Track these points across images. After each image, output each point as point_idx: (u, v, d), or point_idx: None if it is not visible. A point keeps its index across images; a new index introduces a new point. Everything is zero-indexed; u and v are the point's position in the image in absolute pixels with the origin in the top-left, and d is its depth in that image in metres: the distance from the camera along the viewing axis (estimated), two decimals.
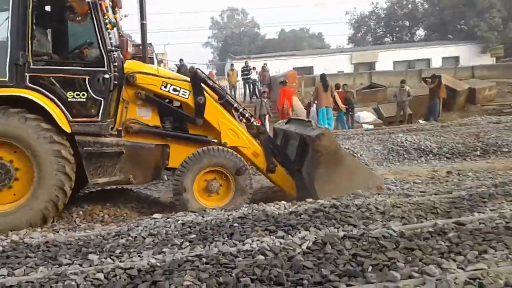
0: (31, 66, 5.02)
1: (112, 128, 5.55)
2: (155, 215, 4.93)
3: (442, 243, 3.28)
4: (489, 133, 10.24)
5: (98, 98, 5.25)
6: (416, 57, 35.82)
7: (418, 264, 2.87)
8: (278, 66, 29.74)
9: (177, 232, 4.18)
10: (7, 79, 4.93)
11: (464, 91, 19.16)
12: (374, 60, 36.20)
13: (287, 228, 3.87)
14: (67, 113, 5.15)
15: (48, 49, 5.65)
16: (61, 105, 5.12)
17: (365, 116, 18.65)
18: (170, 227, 4.36)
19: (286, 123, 7.29)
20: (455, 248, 3.16)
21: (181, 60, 21.13)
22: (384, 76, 26.50)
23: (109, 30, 5.32)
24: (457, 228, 3.58)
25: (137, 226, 4.51)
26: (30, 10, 4.96)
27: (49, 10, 5.75)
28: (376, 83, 23.67)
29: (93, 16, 5.18)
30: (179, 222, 4.49)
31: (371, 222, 3.94)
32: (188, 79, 5.87)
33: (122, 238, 4.12)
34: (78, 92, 5.21)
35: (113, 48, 5.29)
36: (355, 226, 3.83)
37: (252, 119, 6.25)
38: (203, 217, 4.67)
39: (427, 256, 3.01)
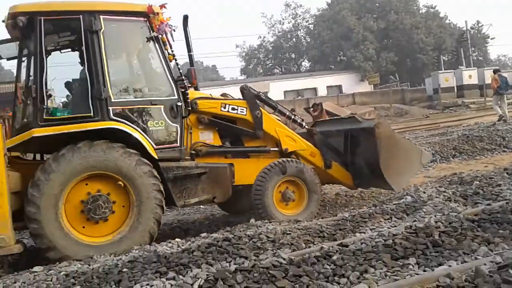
0: (112, 100, 5.11)
1: None
2: (35, 268, 4.48)
3: (328, 266, 3.42)
4: None
5: (174, 125, 5.49)
6: (303, 86, 38.10)
7: None
8: None
9: (59, 285, 3.84)
10: (92, 113, 5.03)
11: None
12: (266, 90, 37.64)
13: (178, 268, 3.74)
14: (151, 141, 5.28)
15: (126, 82, 5.80)
16: (145, 134, 5.25)
17: None
18: (52, 280, 3.99)
19: (313, 126, 7.54)
20: (339, 270, 3.31)
21: None
22: None
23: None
24: (341, 250, 3.76)
25: (14, 283, 4.06)
26: (103, 46, 5.10)
27: (120, 44, 5.78)
28: None
29: (158, 48, 5.48)
30: (62, 273, 4.12)
31: (262, 252, 3.98)
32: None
33: None
34: (157, 121, 5.41)
35: (183, 78, 5.57)
36: (246, 258, 3.83)
37: (304, 124, 6.84)
38: (89, 265, 4.35)
39: (313, 281, 3.11)
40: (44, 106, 4.95)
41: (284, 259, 3.63)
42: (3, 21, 5.29)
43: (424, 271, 3.26)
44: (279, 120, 6.57)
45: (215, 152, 5.95)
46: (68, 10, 5.22)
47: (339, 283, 3.10)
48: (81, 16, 5.10)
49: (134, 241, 4.94)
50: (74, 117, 5.05)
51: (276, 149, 6.24)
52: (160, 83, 5.67)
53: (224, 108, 6.05)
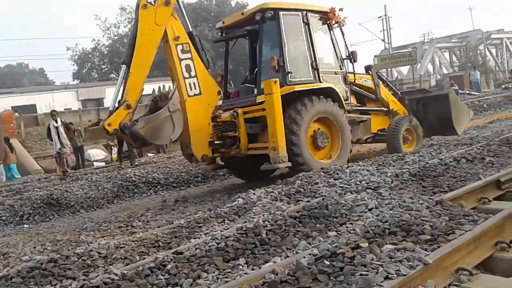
0: (320, 69, 8.02)
1: None
2: None
3: (162, 276, 3.38)
4: None
5: (346, 88, 8.53)
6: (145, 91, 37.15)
7: None
8: None
9: None
10: (312, 78, 7.91)
11: None
12: (102, 96, 35.82)
13: None
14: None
15: (323, 58, 8.45)
16: (338, 92, 8.10)
17: (96, 153, 18.13)
18: None
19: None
20: (173, 279, 3.30)
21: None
22: None
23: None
24: (175, 258, 3.74)
25: None
26: (312, 34, 8.06)
27: (317, 33, 8.37)
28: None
29: (334, 36, 8.52)
30: None
31: (93, 269, 3.76)
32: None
33: None
34: (339, 85, 8.31)
35: (350, 56, 8.67)
36: (74, 278, 3.57)
37: (399, 93, 10.06)
38: None
39: None
40: (289, 73, 7.60)
41: (116, 274, 3.47)
42: (242, 14, 8.32)
43: (253, 269, 3.45)
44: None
45: (357, 110, 8.77)
46: (294, 8, 8.00)
47: None
48: (300, 13, 7.98)
49: (340, 162, 7.57)
50: (302, 81, 7.75)
51: (386, 109, 9.36)
52: (336, 60, 8.51)
53: (360, 79, 8.98)
